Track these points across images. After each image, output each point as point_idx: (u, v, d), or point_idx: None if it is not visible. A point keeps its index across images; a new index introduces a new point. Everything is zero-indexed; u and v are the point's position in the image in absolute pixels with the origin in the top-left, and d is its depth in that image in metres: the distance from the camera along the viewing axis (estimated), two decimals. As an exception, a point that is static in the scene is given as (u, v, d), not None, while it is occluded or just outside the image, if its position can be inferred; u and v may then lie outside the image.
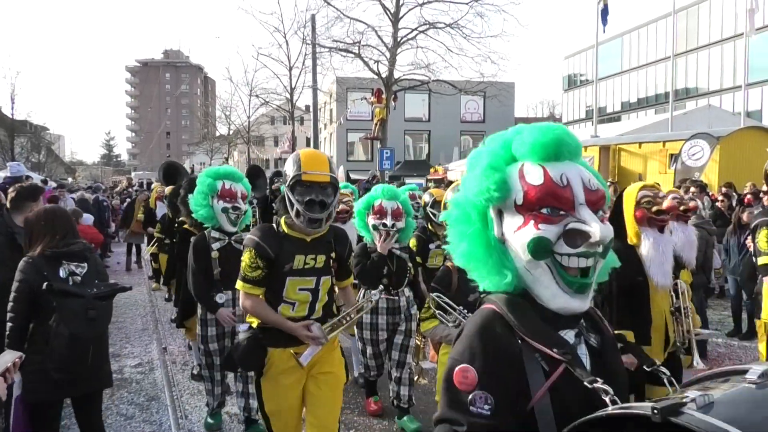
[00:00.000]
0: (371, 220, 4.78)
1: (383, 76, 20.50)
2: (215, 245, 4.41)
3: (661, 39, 38.72)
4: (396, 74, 20.77)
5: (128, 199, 16.05)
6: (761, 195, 7.52)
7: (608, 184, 12.82)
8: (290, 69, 29.06)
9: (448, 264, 3.27)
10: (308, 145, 29.67)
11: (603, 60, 29.90)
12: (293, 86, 29.45)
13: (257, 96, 33.78)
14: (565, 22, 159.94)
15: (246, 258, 3.07)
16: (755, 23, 18.05)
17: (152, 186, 14.50)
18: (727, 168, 14.27)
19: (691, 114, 27.11)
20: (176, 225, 6.40)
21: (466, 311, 3.06)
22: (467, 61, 21.18)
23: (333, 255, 3.25)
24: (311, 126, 21.97)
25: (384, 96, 20.52)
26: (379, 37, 20.51)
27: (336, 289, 3.49)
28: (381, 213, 4.72)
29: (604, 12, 20.62)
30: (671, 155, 16.05)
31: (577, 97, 49.43)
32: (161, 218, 8.98)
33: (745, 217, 7.66)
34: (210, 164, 49.14)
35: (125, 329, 8.05)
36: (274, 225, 3.17)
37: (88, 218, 9.26)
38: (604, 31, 21.81)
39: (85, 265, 3.58)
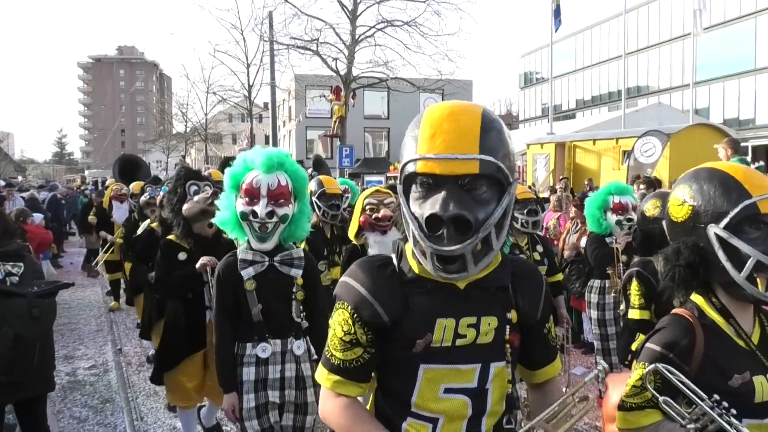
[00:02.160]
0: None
1: (342, 73, 20.44)
2: (248, 271, 2.90)
3: (613, 38, 39.59)
4: (354, 72, 20.73)
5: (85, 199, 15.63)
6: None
7: (560, 179, 13.14)
8: (248, 66, 28.78)
9: (682, 311, 1.77)
10: (267, 143, 29.44)
11: (557, 58, 30.42)
12: (251, 83, 29.17)
13: (214, 93, 33.39)
14: (520, 21, 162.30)
15: (336, 323, 1.59)
16: (702, 23, 18.62)
17: (107, 183, 12.62)
18: (677, 164, 14.69)
19: (643, 111, 27.87)
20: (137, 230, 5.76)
21: (726, 405, 1.54)
22: (425, 58, 21.30)
23: (512, 316, 1.58)
24: (270, 123, 21.78)
25: (343, 93, 20.47)
26: (337, 34, 20.43)
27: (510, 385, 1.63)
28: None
29: (557, 12, 20.97)
30: (624, 152, 16.48)
31: (533, 94, 50.17)
32: (125, 221, 7.68)
33: None
34: (167, 162, 48.37)
35: (78, 330, 7.87)
36: (393, 256, 1.61)
37: (38, 218, 9.02)
38: (556, 31, 22.23)
39: (21, 264, 3.48)
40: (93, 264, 9.99)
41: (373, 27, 20.48)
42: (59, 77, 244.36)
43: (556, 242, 7.02)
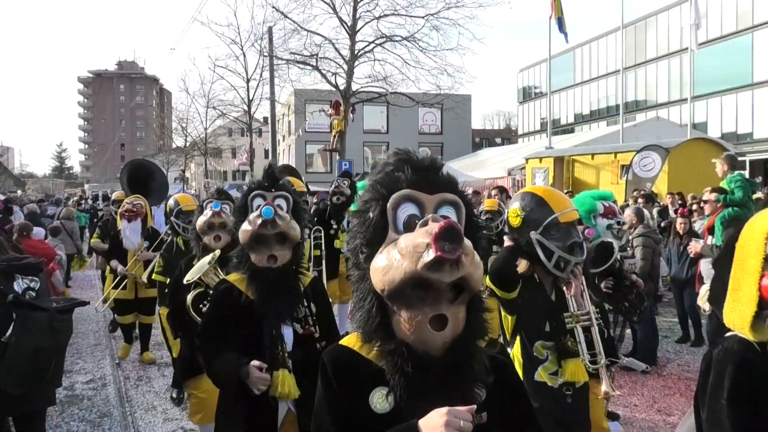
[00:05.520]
0: None
1: (341, 88, 20.55)
2: None
3: (611, 53, 39.78)
4: (354, 86, 20.84)
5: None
6: (701, 204, 7.63)
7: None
8: (248, 81, 28.97)
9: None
10: (266, 157, 29.50)
11: (556, 73, 30.62)
12: (251, 98, 29.36)
13: (214, 108, 33.56)
14: (519, 36, 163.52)
15: None
16: (699, 38, 18.75)
17: (113, 197, 9.18)
18: (676, 178, 14.72)
19: (641, 126, 27.94)
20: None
21: None
22: (424, 73, 21.37)
23: None
24: (269, 138, 21.88)
25: (342, 108, 20.55)
26: (336, 49, 20.57)
27: None
28: None
29: (560, 24, 21.03)
30: (623, 166, 16.52)
31: (531, 109, 50.35)
32: (166, 248, 5.55)
33: (678, 226, 7.83)
34: (166, 176, 48.39)
35: (77, 344, 7.83)
36: None
37: (39, 232, 9.00)
38: (567, 42, 22.33)
39: (38, 279, 3.52)
40: (98, 303, 7.77)
41: (373, 42, 20.65)
42: (59, 92, 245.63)
43: None
